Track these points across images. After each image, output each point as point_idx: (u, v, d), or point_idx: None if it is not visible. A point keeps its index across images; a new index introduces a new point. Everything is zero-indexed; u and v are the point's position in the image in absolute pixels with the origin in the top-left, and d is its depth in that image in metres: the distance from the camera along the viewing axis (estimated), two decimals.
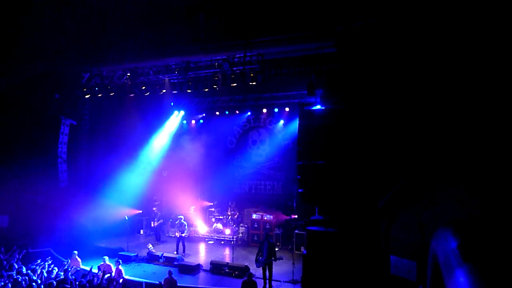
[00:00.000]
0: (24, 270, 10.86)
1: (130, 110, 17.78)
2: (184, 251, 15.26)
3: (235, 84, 13.62)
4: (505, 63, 8.41)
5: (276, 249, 15.51)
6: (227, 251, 15.76)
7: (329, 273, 10.54)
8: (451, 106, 9.30)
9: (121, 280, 11.43)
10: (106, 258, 12.28)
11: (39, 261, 12.07)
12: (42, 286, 10.03)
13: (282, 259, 12.24)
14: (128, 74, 15.14)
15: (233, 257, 14.21)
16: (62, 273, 11.13)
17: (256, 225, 16.89)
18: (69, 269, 11.54)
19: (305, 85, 13.16)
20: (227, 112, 19.22)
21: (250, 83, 13.35)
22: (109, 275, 11.33)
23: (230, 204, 18.49)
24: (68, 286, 10.00)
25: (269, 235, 12.58)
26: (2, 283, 9.63)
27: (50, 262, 12.06)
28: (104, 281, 10.33)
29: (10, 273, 10.27)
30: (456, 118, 9.08)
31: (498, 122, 8.37)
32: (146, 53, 14.09)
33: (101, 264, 12.16)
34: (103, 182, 16.59)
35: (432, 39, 9.77)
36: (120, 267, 11.82)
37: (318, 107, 12.89)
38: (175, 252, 15.04)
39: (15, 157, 15.08)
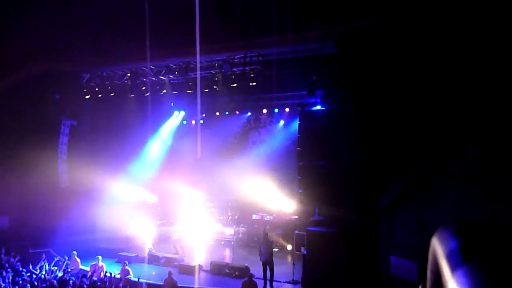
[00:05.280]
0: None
1: (130, 111, 17.77)
2: (184, 252, 15.26)
3: (235, 85, 13.62)
4: (505, 64, 8.41)
5: (276, 249, 15.55)
6: (227, 252, 15.74)
7: (329, 273, 10.55)
8: (452, 105, 9.30)
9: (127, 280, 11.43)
10: (100, 258, 12.33)
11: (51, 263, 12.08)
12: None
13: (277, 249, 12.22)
14: (129, 74, 15.14)
15: (233, 258, 14.20)
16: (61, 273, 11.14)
17: (256, 226, 16.88)
18: (69, 269, 11.55)
19: (306, 85, 13.16)
20: (227, 113, 19.20)
21: (250, 84, 13.34)
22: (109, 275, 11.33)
23: (230, 204, 18.48)
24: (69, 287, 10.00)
25: (267, 234, 12.52)
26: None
27: (48, 262, 12.06)
28: (98, 281, 10.37)
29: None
30: (456, 118, 9.08)
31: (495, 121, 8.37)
32: (146, 54, 14.09)
33: (93, 264, 12.20)
34: (103, 182, 16.57)
35: (432, 39, 9.77)
36: (127, 267, 11.86)
37: (318, 107, 12.89)
38: (175, 253, 15.03)
39: (15, 157, 15.06)
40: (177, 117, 20.26)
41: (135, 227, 17.69)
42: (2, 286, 9.58)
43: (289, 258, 15.12)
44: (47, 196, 15.57)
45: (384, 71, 10.74)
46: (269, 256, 11.69)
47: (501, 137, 8.05)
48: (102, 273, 11.84)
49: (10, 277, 10.27)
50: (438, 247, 0.95)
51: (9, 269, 10.96)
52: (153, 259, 14.35)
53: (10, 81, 15.48)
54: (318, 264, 10.86)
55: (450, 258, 0.88)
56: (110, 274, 11.35)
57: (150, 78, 15.05)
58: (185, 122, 20.60)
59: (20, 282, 9.85)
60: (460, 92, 9.25)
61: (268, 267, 11.66)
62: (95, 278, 11.26)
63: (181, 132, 20.43)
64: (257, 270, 11.85)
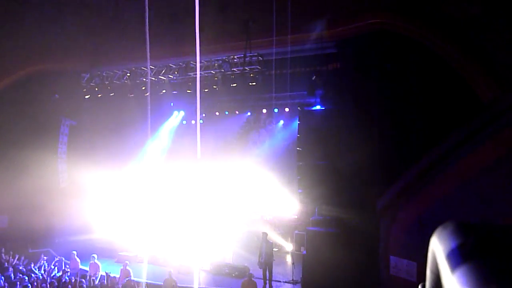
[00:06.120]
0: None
1: (130, 111, 17.77)
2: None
3: (235, 85, 13.62)
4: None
5: (276, 249, 15.56)
6: (227, 252, 15.71)
7: (329, 273, 10.55)
8: (450, 105, 9.30)
9: (127, 280, 11.44)
10: (95, 256, 12.38)
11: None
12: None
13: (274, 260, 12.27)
14: (128, 74, 15.14)
15: (233, 258, 14.19)
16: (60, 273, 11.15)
17: (256, 226, 16.87)
18: (68, 269, 11.55)
19: (306, 85, 13.16)
20: (227, 113, 19.19)
21: (250, 84, 13.35)
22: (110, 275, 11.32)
23: (230, 204, 18.47)
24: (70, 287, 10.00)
25: (267, 234, 12.49)
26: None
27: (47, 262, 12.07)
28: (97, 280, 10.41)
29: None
30: (455, 117, 9.08)
31: None
32: (146, 54, 14.07)
33: (91, 263, 12.25)
34: (103, 182, 16.57)
35: (431, 40, 9.77)
36: (127, 268, 11.88)
37: (318, 107, 12.90)
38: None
39: (15, 157, 15.07)
40: (177, 117, 20.24)
41: (135, 227, 17.72)
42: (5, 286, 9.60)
43: (289, 258, 15.12)
44: (47, 196, 15.57)
45: (383, 71, 10.74)
46: (269, 257, 11.69)
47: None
48: (98, 272, 11.90)
49: (12, 276, 10.30)
50: (438, 247, 0.95)
51: (10, 268, 10.97)
52: (153, 259, 14.34)
53: (10, 81, 15.49)
54: (318, 264, 10.86)
55: (450, 258, 0.88)
56: (107, 273, 11.34)
57: (150, 78, 15.05)
58: (184, 122, 20.59)
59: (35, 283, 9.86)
60: (459, 91, 9.25)
61: (267, 267, 11.66)
62: (93, 278, 11.29)
63: (181, 132, 20.42)
64: (257, 270, 11.85)
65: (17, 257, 12.15)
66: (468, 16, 8.69)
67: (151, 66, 14.83)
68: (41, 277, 10.71)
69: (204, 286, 12.00)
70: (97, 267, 12.13)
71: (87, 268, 12.56)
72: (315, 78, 12.89)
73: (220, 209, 18.79)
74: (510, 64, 8.69)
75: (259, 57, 12.92)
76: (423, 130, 9.88)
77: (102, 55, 14.78)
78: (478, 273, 0.79)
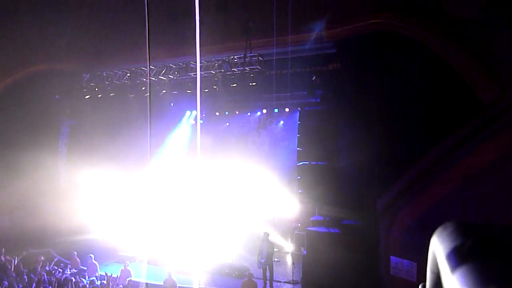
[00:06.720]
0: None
1: (130, 111, 17.76)
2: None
3: (235, 85, 13.63)
4: None
5: (276, 249, 15.56)
6: (227, 252, 15.71)
7: (329, 273, 10.55)
8: (451, 105, 9.30)
9: (127, 280, 11.45)
10: (92, 256, 12.42)
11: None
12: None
13: (278, 260, 12.25)
14: (128, 74, 15.14)
15: (233, 258, 14.19)
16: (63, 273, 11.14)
17: (256, 226, 16.87)
18: (68, 270, 11.55)
19: (306, 85, 13.16)
20: (227, 113, 19.18)
21: (250, 84, 13.35)
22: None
23: (229, 204, 18.47)
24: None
25: (268, 234, 12.54)
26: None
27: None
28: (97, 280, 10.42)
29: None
30: (455, 117, 9.08)
31: None
32: (146, 54, 14.07)
33: (89, 263, 12.28)
34: (103, 183, 16.57)
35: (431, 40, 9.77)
36: (128, 268, 11.88)
37: (318, 107, 12.90)
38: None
39: (16, 157, 15.06)
40: (181, 118, 20.27)
41: (135, 227, 17.70)
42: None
43: (289, 258, 15.12)
44: (47, 196, 15.57)
45: (383, 71, 10.75)
46: (270, 256, 11.70)
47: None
48: (96, 272, 11.92)
49: (14, 276, 10.31)
50: (438, 247, 0.95)
51: (11, 269, 10.98)
52: (153, 259, 14.35)
53: (10, 81, 15.49)
54: (318, 264, 10.86)
55: (450, 258, 0.88)
56: (106, 273, 11.33)
57: (150, 78, 15.06)
58: (184, 122, 20.59)
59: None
60: (459, 91, 9.25)
61: (267, 267, 11.67)
62: (93, 278, 11.29)
63: (181, 132, 20.43)
64: (257, 270, 11.86)
65: (17, 258, 12.14)
66: (468, 16, 8.68)
67: (151, 66, 14.84)
68: (41, 277, 10.70)
69: (204, 286, 12.00)
70: (94, 267, 12.14)
71: (86, 268, 12.57)
72: (315, 78, 12.88)
73: (220, 209, 18.79)
74: (510, 64, 8.69)
75: (259, 57, 12.93)
76: (423, 130, 9.88)
77: (102, 55, 14.78)
78: (478, 273, 0.80)
